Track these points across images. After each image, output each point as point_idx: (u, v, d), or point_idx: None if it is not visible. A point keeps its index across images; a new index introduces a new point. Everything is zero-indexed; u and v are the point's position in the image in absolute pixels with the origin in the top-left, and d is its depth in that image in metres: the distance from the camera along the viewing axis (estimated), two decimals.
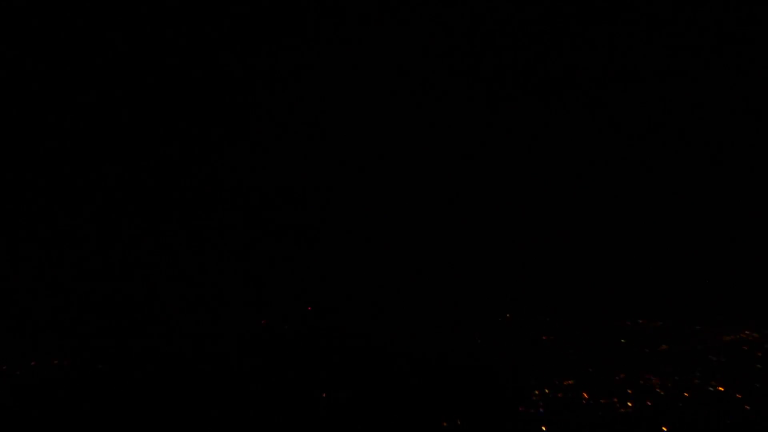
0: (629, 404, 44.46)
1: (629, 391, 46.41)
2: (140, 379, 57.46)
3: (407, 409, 42.95)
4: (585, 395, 45.93)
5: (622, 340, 58.09)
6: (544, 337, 61.58)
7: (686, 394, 45.83)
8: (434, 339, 64.22)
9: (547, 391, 47.09)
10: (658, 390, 46.96)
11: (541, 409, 43.80)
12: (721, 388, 47.11)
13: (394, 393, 46.70)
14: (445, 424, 41.56)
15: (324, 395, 49.11)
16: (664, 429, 37.79)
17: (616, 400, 45.07)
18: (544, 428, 40.58)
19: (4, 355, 63.14)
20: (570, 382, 48.63)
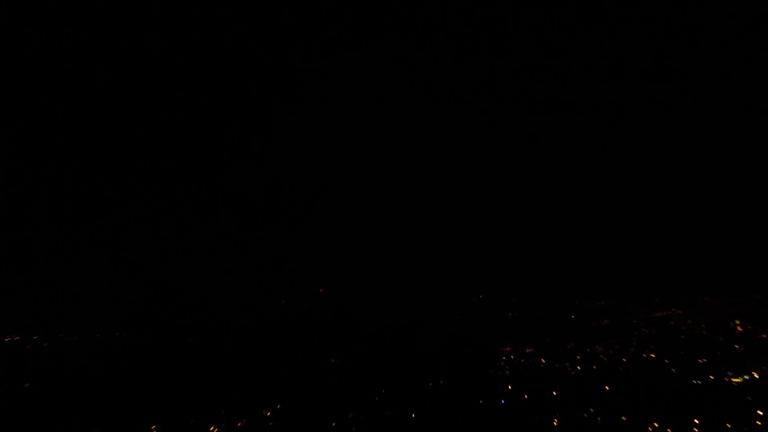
0: (578, 368, 44.13)
1: (578, 357, 46.14)
2: (184, 347, 56.89)
3: (401, 371, 42.50)
4: (543, 360, 45.64)
5: (572, 316, 57.66)
6: (509, 314, 61.24)
7: (624, 360, 45.44)
8: (422, 316, 63.66)
9: (512, 357, 46.84)
10: (601, 357, 46.63)
11: (507, 371, 43.48)
12: (653, 355, 46.81)
13: (391, 358, 46.19)
14: (430, 383, 41.11)
15: (333, 360, 48.46)
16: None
17: (567, 365, 44.75)
18: (510, 387, 40.26)
19: (76, 328, 63.28)
20: (530, 350, 48.35)
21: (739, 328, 52.89)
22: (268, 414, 40.16)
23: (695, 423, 35.57)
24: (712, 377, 43.28)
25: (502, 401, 41.09)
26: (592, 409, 39.19)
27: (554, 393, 41.88)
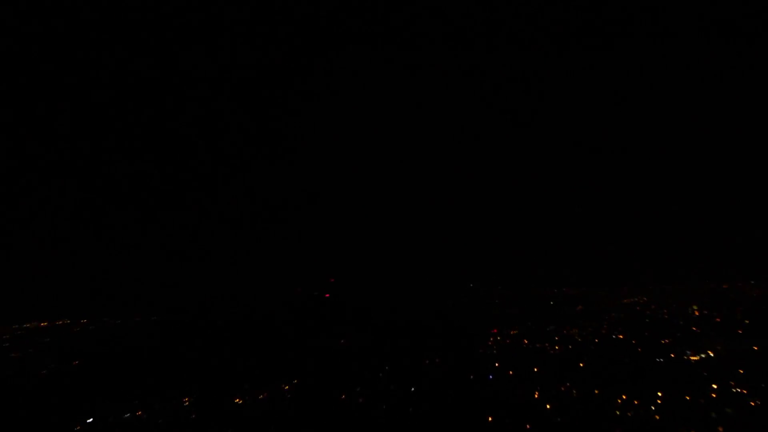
0: (557, 347, 44.37)
1: (556, 338, 46.45)
2: (213, 329, 57.46)
3: (402, 350, 42.85)
4: (525, 341, 45.97)
5: (551, 303, 57.82)
6: (496, 300, 61.42)
7: (596, 341, 45.77)
8: (420, 302, 64.09)
9: (498, 338, 47.10)
10: (577, 338, 46.90)
11: (494, 350, 43.77)
12: (621, 336, 47.10)
13: (393, 339, 46.59)
14: (426, 361, 41.44)
15: (342, 342, 48.86)
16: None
17: (547, 345, 45.06)
18: (497, 364, 40.61)
19: (118, 313, 64.04)
20: (515, 331, 48.63)
21: (696, 313, 53.16)
22: (286, 388, 40.47)
23: (658, 395, 35.80)
24: (672, 355, 43.51)
25: (490, 376, 41.33)
26: (568, 383, 39.42)
27: (535, 369, 42.12)
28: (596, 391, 38.26)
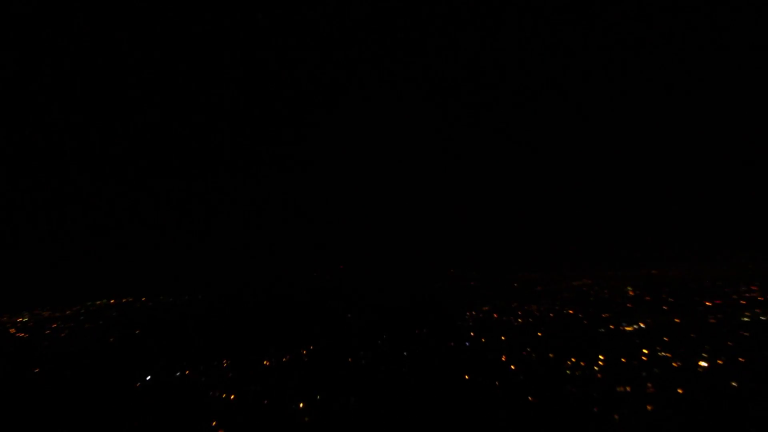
0: (519, 320, 44.40)
1: (519, 313, 46.45)
2: (246, 306, 57.61)
3: (396, 323, 43.03)
4: (495, 315, 45.97)
5: (515, 284, 57.82)
6: (471, 283, 61.36)
7: (551, 315, 45.90)
8: (411, 285, 64.20)
9: (473, 312, 47.11)
10: (536, 313, 46.95)
11: (470, 323, 43.84)
12: (571, 311, 47.17)
13: (389, 314, 46.79)
14: (417, 331, 41.64)
15: (349, 315, 49.01)
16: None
17: (512, 318, 45.06)
18: (472, 333, 40.77)
19: (170, 291, 63.92)
20: (486, 308, 48.64)
21: (631, 293, 53.35)
22: (304, 352, 40.67)
23: (600, 358, 36.03)
24: (611, 327, 43.69)
25: (467, 343, 41.52)
26: (528, 349, 39.61)
27: (503, 338, 42.30)
28: (551, 355, 38.52)
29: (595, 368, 36.84)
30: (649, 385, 34.13)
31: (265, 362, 40.37)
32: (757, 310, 45.52)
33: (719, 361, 36.64)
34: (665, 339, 40.61)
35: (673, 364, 37.19)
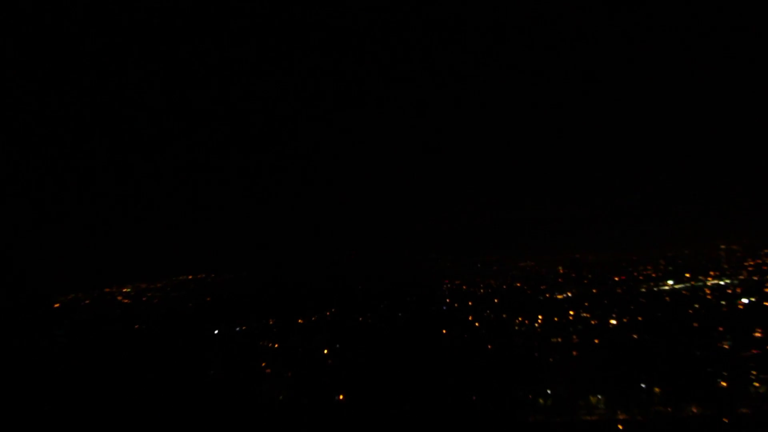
0: (481, 291, 44.33)
1: (481, 285, 46.79)
2: (268, 286, 55.91)
3: (390, 293, 42.75)
4: (464, 287, 46.02)
5: (478, 265, 57.61)
6: (447, 264, 61.28)
7: (504, 287, 45.76)
8: (401, 266, 63.61)
9: (448, 285, 47.25)
10: (493, 285, 47.00)
11: (446, 293, 43.86)
12: (518, 284, 46.97)
13: (387, 288, 46.41)
14: (408, 298, 41.50)
15: (360, 287, 48.63)
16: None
17: (476, 289, 45.03)
18: (447, 300, 40.74)
19: (222, 270, 62.00)
20: (457, 282, 49.01)
21: (561, 271, 53.29)
22: (328, 314, 41.04)
23: (539, 318, 36.36)
24: (547, 295, 43.98)
25: (444, 307, 41.83)
26: (488, 311, 39.96)
27: (470, 303, 42.51)
28: (504, 315, 38.84)
29: (536, 325, 37.29)
30: (575, 337, 34.54)
31: (299, 320, 40.65)
32: (651, 284, 46.00)
33: (624, 320, 37.14)
34: (586, 304, 40.74)
35: (591, 322, 37.61)
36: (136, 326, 39.75)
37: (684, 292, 43.28)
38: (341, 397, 25.75)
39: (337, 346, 33.27)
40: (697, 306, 38.05)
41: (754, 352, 28.48)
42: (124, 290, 54.58)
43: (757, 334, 30.57)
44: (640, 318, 35.84)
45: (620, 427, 23.42)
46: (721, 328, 31.80)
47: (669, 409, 24.25)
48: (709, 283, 44.95)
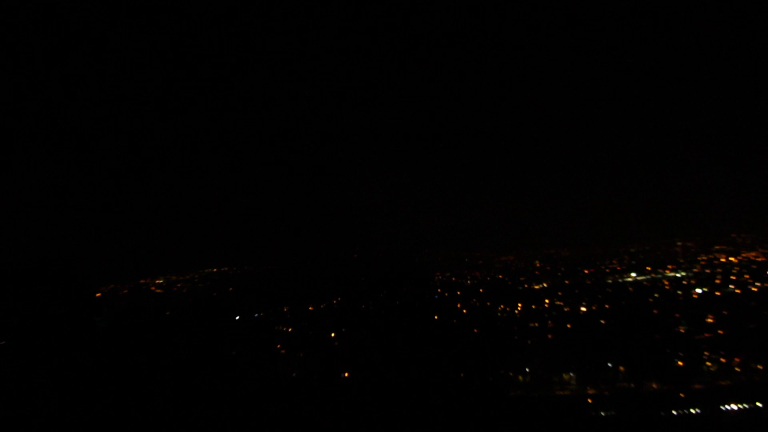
0: (468, 282, 44.09)
1: (468, 277, 46.24)
2: (289, 272, 55.88)
3: (390, 282, 42.70)
4: (453, 278, 45.61)
5: (466, 259, 57.19)
6: (438, 259, 61.03)
7: (488, 278, 45.51)
8: (397, 259, 63.27)
9: (439, 276, 46.77)
10: (479, 277, 46.48)
11: (438, 283, 43.59)
12: (500, 276, 46.64)
13: (386, 275, 46.18)
14: (404, 288, 41.33)
15: (363, 278, 48.39)
16: None
17: (463, 280, 44.57)
18: (439, 290, 40.46)
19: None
20: (448, 274, 48.55)
21: (538, 264, 53.30)
22: (335, 302, 41.04)
23: (519, 306, 36.40)
24: (526, 286, 43.91)
25: (435, 296, 41.92)
26: (474, 299, 39.96)
27: (458, 293, 42.29)
28: (488, 303, 38.86)
29: (516, 312, 37.69)
30: (550, 322, 34.58)
31: (310, 308, 40.63)
32: (616, 276, 46.01)
33: (593, 308, 37.16)
34: (559, 293, 40.84)
35: (564, 309, 37.66)
36: (167, 313, 39.75)
37: (645, 283, 43.29)
38: (346, 374, 25.65)
39: (343, 330, 33.23)
40: (656, 295, 38.15)
41: (707, 335, 28.52)
42: (157, 281, 54.55)
43: (709, 320, 30.59)
44: (606, 306, 35.88)
45: (590, 401, 23.42)
46: (677, 315, 31.87)
47: (632, 385, 24.25)
48: (667, 275, 45.01)
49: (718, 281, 40.19)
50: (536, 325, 32.66)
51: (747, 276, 40.34)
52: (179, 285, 53.21)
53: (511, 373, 26.19)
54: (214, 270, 60.88)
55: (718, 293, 36.97)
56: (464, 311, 37.57)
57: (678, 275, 44.67)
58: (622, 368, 25.45)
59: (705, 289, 38.07)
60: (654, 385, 24.42)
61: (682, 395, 23.47)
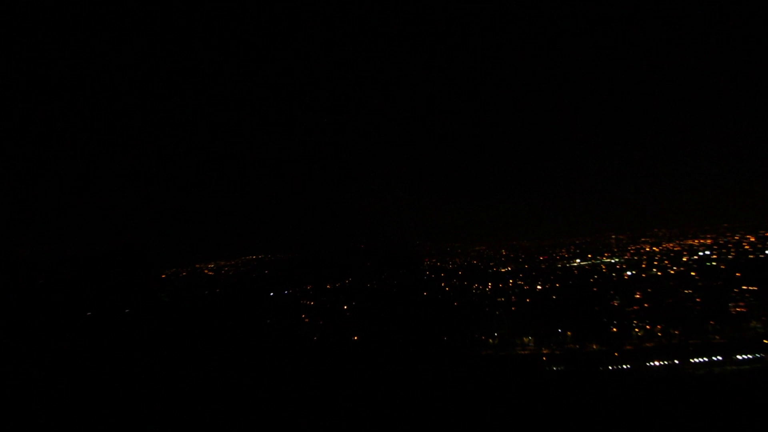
0: (450, 266, 43.33)
1: (450, 263, 45.46)
2: (308, 261, 54.86)
3: (388, 266, 41.56)
4: (438, 263, 44.67)
5: (448, 248, 56.30)
6: (426, 248, 60.24)
7: (465, 263, 44.69)
8: (393, 248, 62.02)
9: (428, 262, 46.08)
10: (458, 262, 45.58)
11: (426, 267, 42.98)
12: (475, 261, 45.69)
13: (384, 263, 44.93)
14: (401, 272, 40.47)
15: (368, 264, 47.39)
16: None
17: (446, 265, 43.85)
18: (427, 272, 39.64)
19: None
20: (434, 260, 47.80)
21: (504, 253, 52.71)
22: (347, 281, 40.88)
23: (489, 285, 36.17)
24: (495, 269, 43.63)
25: (424, 277, 41.74)
26: (454, 280, 39.45)
27: (442, 275, 41.92)
28: (465, 283, 38.58)
29: (486, 290, 37.46)
30: (513, 297, 34.39)
31: (328, 286, 40.55)
32: (564, 262, 45.70)
33: (547, 286, 36.94)
34: (520, 275, 40.58)
35: (524, 287, 37.46)
36: (217, 290, 39.70)
37: (587, 267, 42.99)
38: (355, 338, 25.65)
39: (353, 303, 33.18)
40: (596, 277, 38.00)
41: (635, 308, 28.46)
42: (209, 266, 54.55)
43: (637, 296, 30.53)
44: (557, 285, 35.72)
45: (544, 358, 23.37)
46: (612, 292, 31.70)
47: (577, 346, 24.20)
48: (604, 261, 44.88)
49: (643, 266, 39.92)
50: (502, 299, 32.54)
51: (666, 262, 40.10)
52: (226, 269, 53.17)
53: (483, 337, 26.08)
54: (253, 257, 60.92)
55: (643, 275, 36.74)
56: (447, 289, 37.38)
57: (612, 261, 44.35)
58: (569, 333, 25.29)
59: (633, 272, 37.88)
60: (594, 346, 24.22)
61: (616, 354, 23.46)
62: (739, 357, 21.26)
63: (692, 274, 35.06)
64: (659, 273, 36.80)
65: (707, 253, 40.84)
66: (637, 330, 25.53)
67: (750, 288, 28.99)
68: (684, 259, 40.51)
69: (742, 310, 26.76)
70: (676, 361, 21.94)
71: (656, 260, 41.07)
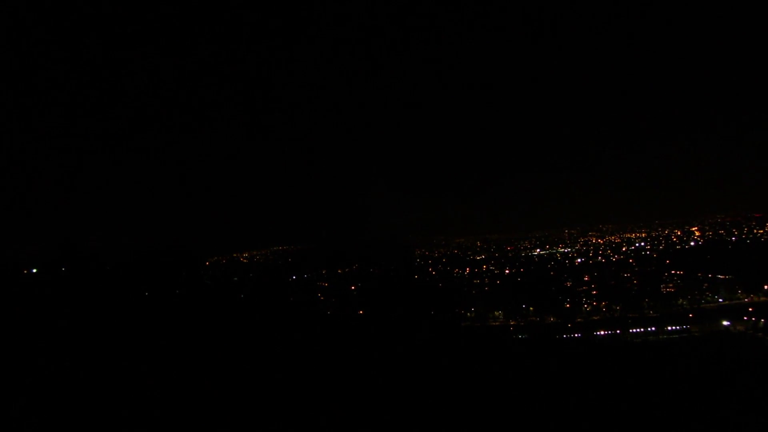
0: (435, 255, 42.37)
1: (435, 252, 44.50)
2: (321, 252, 53.28)
3: (389, 259, 39.88)
4: (426, 253, 43.66)
5: (434, 240, 54.61)
6: (416, 241, 58.52)
7: (449, 253, 43.15)
8: (390, 242, 60.00)
9: (418, 252, 44.84)
10: (443, 252, 44.23)
11: (417, 256, 41.57)
12: (456, 251, 44.20)
13: (384, 255, 43.00)
14: (402, 261, 39.38)
15: (372, 253, 45.70)
16: None
17: (433, 254, 42.75)
18: (418, 260, 38.32)
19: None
20: (423, 250, 46.57)
21: (479, 244, 52.00)
22: (355, 267, 40.43)
23: (467, 269, 35.92)
24: (472, 257, 43.06)
25: (416, 264, 41.38)
26: (440, 265, 39.24)
27: (429, 261, 41.88)
28: (448, 268, 38.19)
29: (465, 273, 37.18)
30: (486, 279, 34.24)
31: (339, 270, 40.23)
32: (527, 251, 45.46)
33: (513, 271, 36.76)
34: (492, 262, 40.09)
35: (495, 272, 37.27)
36: (250, 274, 39.50)
37: (545, 255, 43.00)
38: (361, 312, 25.59)
39: (359, 284, 32.99)
40: (552, 263, 37.91)
41: (584, 288, 28.51)
42: (244, 254, 54.36)
43: (586, 279, 30.54)
44: (522, 270, 35.60)
45: (511, 328, 23.44)
46: (565, 275, 31.68)
47: (537, 319, 24.23)
48: (559, 251, 44.88)
49: (591, 254, 39.96)
50: (478, 282, 32.43)
51: (609, 251, 40.10)
52: (258, 257, 52.93)
53: (462, 311, 26.08)
54: (280, 248, 60.59)
55: (591, 262, 36.76)
56: (433, 273, 37.16)
57: (566, 251, 44.18)
58: (531, 308, 25.39)
59: (582, 260, 37.91)
60: (551, 319, 24.41)
61: (569, 325, 23.46)
62: (669, 328, 21.48)
63: (630, 261, 35.26)
64: (603, 260, 36.91)
65: (642, 244, 40.99)
66: (586, 306, 25.62)
67: (678, 272, 29.32)
68: (623, 249, 40.49)
69: (671, 290, 27.09)
70: (618, 331, 22.05)
71: (601, 250, 41.04)
